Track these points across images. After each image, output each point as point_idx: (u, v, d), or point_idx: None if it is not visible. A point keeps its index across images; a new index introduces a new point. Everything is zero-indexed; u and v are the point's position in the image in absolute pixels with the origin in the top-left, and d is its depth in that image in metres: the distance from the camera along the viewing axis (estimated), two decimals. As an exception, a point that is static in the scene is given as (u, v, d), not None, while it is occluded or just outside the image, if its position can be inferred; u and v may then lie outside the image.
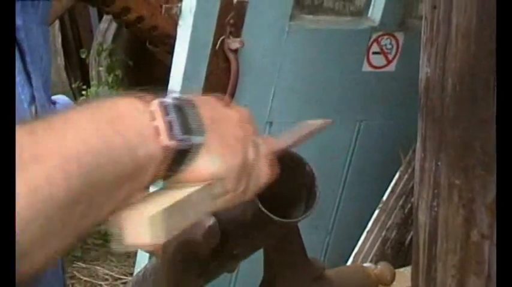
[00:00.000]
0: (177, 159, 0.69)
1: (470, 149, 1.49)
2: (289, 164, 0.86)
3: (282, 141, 0.85)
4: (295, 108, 2.56)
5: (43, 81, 0.94)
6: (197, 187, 0.71)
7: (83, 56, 5.15)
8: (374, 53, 2.64)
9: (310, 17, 2.56)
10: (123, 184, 0.66)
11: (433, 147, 1.57)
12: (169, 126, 0.68)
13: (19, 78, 0.85)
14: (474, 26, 1.42)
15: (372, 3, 2.61)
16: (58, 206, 0.60)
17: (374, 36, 2.61)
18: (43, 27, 0.94)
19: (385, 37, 2.63)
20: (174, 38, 2.37)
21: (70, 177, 0.61)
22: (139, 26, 4.09)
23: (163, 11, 2.47)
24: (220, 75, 2.35)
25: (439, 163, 1.55)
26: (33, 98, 0.88)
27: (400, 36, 2.65)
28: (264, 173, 0.77)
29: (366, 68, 2.65)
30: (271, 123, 2.54)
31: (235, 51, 2.32)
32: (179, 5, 2.31)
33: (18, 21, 0.85)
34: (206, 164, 0.71)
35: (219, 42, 2.30)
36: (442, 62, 1.50)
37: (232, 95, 2.35)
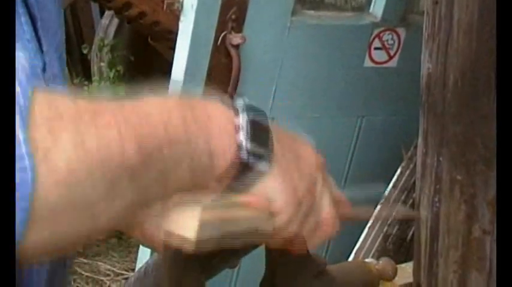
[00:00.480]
0: (242, 173, 0.70)
1: (472, 144, 1.49)
2: None
3: (356, 211, 0.84)
4: (297, 103, 2.56)
5: (57, 56, 0.94)
6: (251, 213, 0.71)
7: (85, 52, 5.15)
8: (376, 48, 2.64)
9: (312, 12, 2.56)
10: (188, 173, 0.66)
11: (435, 142, 1.57)
12: (237, 129, 0.69)
13: (31, 45, 0.84)
14: (476, 22, 1.42)
15: (374, -2, 2.61)
16: (126, 169, 0.60)
17: (376, 31, 2.61)
18: (56, 7, 0.94)
19: (387, 33, 2.63)
20: (176, 34, 2.37)
21: (145, 147, 0.61)
22: (141, 21, 4.09)
23: (165, 6, 2.47)
24: (222, 71, 2.35)
25: (440, 159, 1.55)
26: (44, 66, 0.87)
27: (401, 31, 2.65)
28: (325, 224, 0.77)
29: (368, 63, 2.65)
30: (272, 119, 2.53)
31: (237, 46, 2.32)
32: (181, 0, 2.31)
33: None
34: (266, 193, 0.71)
35: (220, 38, 2.30)
36: (444, 58, 1.50)
37: (234, 91, 2.35)
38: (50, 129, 0.56)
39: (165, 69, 2.64)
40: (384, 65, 2.68)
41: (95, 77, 5.05)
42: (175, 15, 2.39)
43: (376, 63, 2.66)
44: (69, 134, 0.57)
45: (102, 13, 5.21)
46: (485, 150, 1.47)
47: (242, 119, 0.70)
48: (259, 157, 0.70)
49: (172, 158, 0.64)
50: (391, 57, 2.68)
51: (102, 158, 0.58)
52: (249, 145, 0.69)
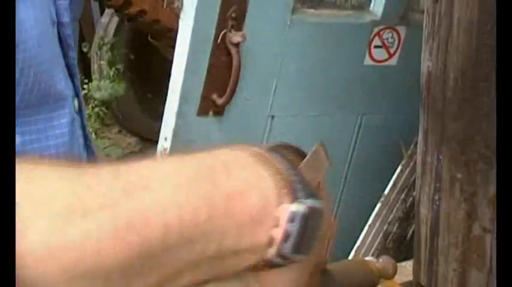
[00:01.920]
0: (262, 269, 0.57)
1: (472, 142, 1.49)
2: (290, 158, 0.86)
3: None
4: (297, 102, 2.56)
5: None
6: None
7: (85, 50, 5.15)
8: (376, 46, 2.64)
9: (312, 10, 2.56)
10: (202, 264, 0.54)
11: (435, 141, 1.57)
12: (286, 238, 0.55)
13: (61, 75, 0.88)
14: (476, 20, 1.42)
15: (374, -4, 2.61)
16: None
17: (376, 30, 2.61)
18: (73, 24, 0.97)
19: (387, 31, 2.63)
20: (176, 32, 2.37)
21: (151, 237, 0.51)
22: (141, 19, 4.09)
23: (165, 4, 2.47)
24: (222, 69, 2.35)
25: (440, 157, 1.55)
26: (76, 93, 0.92)
27: (401, 30, 2.65)
28: None
29: (368, 61, 2.65)
30: (273, 117, 2.54)
31: (237, 45, 2.32)
32: (181, -2, 2.31)
33: (66, 19, 0.89)
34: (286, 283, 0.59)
35: (220, 36, 2.30)
36: (444, 56, 1.50)
37: (234, 89, 2.35)
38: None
39: (165, 68, 2.64)
40: (384, 63, 2.68)
41: (95, 75, 5.05)
42: (175, 13, 2.39)
43: (376, 61, 2.66)
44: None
45: (102, 11, 5.21)
46: (486, 148, 1.46)
47: (294, 225, 0.55)
48: (298, 253, 0.56)
49: (177, 261, 0.52)
50: (391, 56, 2.68)
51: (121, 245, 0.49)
52: (286, 251, 0.55)
